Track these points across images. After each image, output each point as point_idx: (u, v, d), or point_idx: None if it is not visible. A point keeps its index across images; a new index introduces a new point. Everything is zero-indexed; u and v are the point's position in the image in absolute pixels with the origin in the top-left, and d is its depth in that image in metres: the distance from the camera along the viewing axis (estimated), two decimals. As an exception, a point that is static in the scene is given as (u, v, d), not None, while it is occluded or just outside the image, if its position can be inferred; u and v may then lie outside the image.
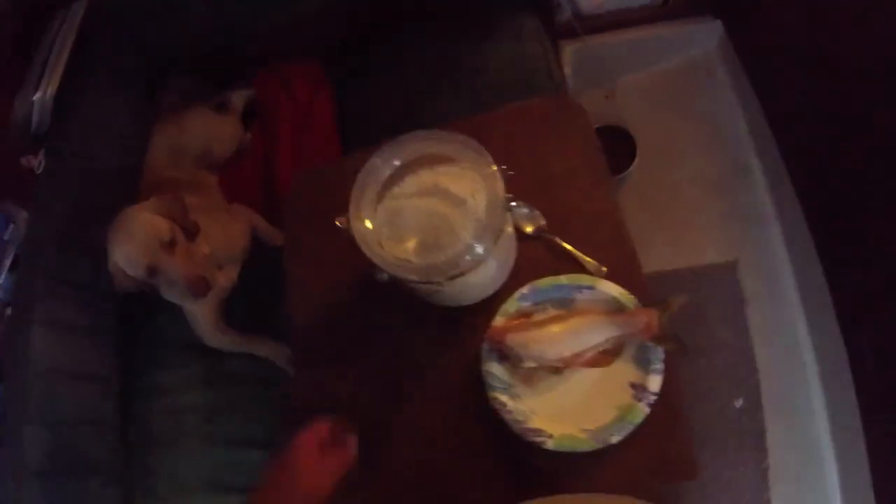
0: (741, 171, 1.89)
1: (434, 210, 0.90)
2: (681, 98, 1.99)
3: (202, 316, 1.46)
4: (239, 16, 1.68)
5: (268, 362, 1.51)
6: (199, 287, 1.26)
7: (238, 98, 1.75)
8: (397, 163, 0.92)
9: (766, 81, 1.79)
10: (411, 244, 0.89)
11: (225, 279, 1.48)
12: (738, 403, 1.71)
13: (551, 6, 1.69)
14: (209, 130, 1.64)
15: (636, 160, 1.79)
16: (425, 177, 0.92)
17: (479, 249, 0.83)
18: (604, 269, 1.02)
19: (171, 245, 1.25)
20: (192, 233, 1.32)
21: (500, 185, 0.86)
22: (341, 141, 1.69)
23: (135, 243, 1.23)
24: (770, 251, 1.79)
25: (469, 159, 0.89)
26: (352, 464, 0.84)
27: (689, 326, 1.66)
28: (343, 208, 1.17)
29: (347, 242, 1.12)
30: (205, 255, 1.36)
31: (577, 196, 1.08)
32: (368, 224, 0.89)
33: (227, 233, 1.49)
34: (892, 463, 1.38)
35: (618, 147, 1.78)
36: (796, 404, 1.68)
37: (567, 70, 1.81)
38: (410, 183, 0.92)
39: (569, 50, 1.82)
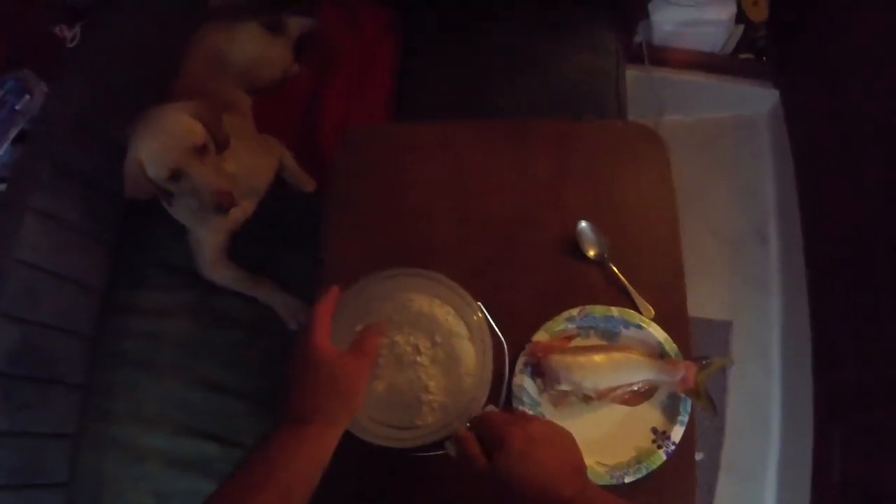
0: (758, 239, 1.92)
1: (410, 357, 0.83)
2: (719, 152, 2.01)
3: (208, 243, 1.38)
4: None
5: (262, 309, 1.43)
6: (226, 200, 1.19)
7: (295, 24, 1.65)
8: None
9: (807, 164, 1.81)
10: (381, 386, 0.82)
11: (240, 211, 1.40)
12: (699, 457, 1.74)
13: (630, 29, 1.67)
14: (258, 49, 1.55)
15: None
16: (417, 300, 0.85)
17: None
18: (653, 310, 1.00)
19: (201, 152, 1.18)
20: (222, 147, 1.25)
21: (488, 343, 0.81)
22: (395, 100, 1.63)
23: (165, 141, 1.15)
24: (766, 323, 1.83)
25: (455, 305, 0.85)
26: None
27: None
28: (395, 171, 1.13)
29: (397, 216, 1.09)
30: (231, 174, 1.29)
31: (644, 231, 1.06)
32: None
33: (253, 162, 1.41)
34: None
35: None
36: (751, 472, 1.72)
37: (622, 93, 1.80)
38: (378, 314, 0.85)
39: (629, 74, 1.80)
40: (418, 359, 0.82)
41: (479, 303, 0.86)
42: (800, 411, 1.65)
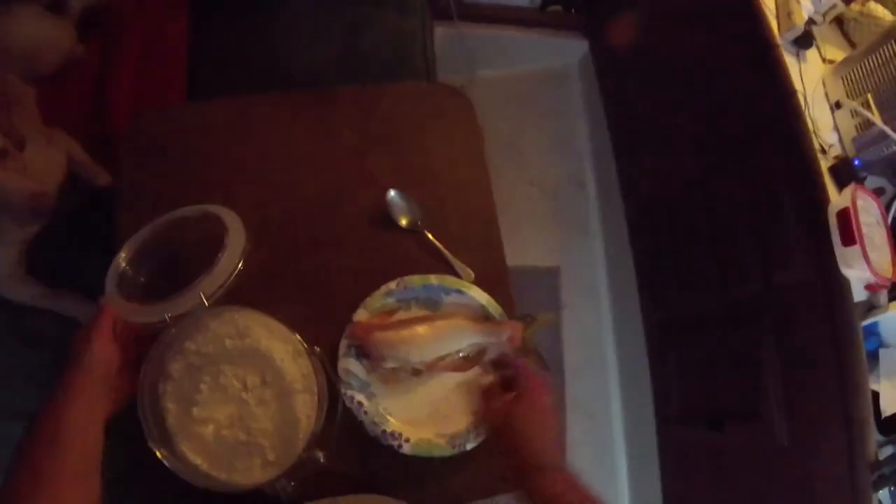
0: (576, 184, 1.99)
1: (236, 392, 0.78)
2: (533, 103, 2.05)
3: (3, 259, 1.22)
4: None
5: (71, 322, 1.30)
6: (43, 201, 1.04)
7: (78, 0, 1.44)
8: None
9: (618, 109, 1.89)
10: (209, 430, 0.76)
11: None
12: (543, 402, 1.81)
13: (435, -14, 1.64)
14: (38, 31, 1.35)
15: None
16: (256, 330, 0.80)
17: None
18: (472, 273, 0.99)
19: (0, 155, 1.05)
20: (19, 146, 1.12)
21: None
22: (189, 78, 1.48)
23: None
24: (592, 265, 1.92)
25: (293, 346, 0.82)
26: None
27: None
28: (190, 156, 1.02)
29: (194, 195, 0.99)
30: (39, 170, 1.15)
31: (456, 193, 1.05)
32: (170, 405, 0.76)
33: (42, 159, 1.25)
34: (680, 468, 1.55)
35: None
36: (596, 408, 1.82)
37: (432, 51, 1.77)
38: (210, 333, 0.79)
39: (438, 32, 1.77)
40: (243, 395, 0.77)
41: (317, 347, 0.83)
42: (634, 346, 1.75)
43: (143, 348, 0.78)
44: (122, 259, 0.87)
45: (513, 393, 0.78)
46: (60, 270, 1.31)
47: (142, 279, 0.89)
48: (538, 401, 0.76)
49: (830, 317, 1.09)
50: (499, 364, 0.83)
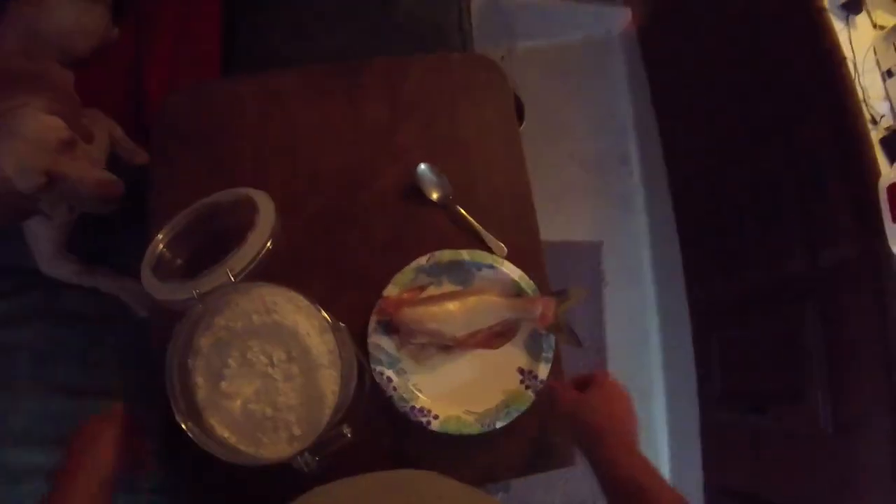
0: (620, 159, 1.94)
1: (262, 368, 0.77)
2: (575, 75, 1.99)
3: (46, 239, 1.24)
4: None
5: (109, 299, 1.31)
6: (114, 189, 1.05)
7: None
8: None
9: (662, 81, 1.83)
10: (237, 404, 0.76)
11: None
12: (583, 377, 1.79)
13: (472, -47, 1.59)
14: (72, 15, 1.37)
15: (523, 125, 1.77)
16: (282, 307, 0.79)
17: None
18: (505, 248, 0.97)
19: (70, 147, 1.03)
20: (87, 138, 1.11)
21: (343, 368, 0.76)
22: (223, 58, 1.48)
23: (31, 145, 0.99)
24: (635, 241, 1.87)
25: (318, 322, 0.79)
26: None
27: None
28: (218, 135, 1.03)
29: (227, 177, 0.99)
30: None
31: (488, 167, 1.02)
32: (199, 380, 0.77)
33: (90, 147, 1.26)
34: (722, 451, 1.51)
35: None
36: (638, 388, 1.78)
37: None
38: (238, 309, 0.79)
39: (476, 2, 1.74)
40: (270, 371, 0.77)
41: (342, 323, 0.80)
42: (678, 325, 1.70)
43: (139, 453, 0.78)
44: (159, 241, 0.88)
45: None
46: (98, 248, 1.33)
47: (178, 262, 0.89)
48: (613, 389, 0.79)
49: (879, 296, 1.03)
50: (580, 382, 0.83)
